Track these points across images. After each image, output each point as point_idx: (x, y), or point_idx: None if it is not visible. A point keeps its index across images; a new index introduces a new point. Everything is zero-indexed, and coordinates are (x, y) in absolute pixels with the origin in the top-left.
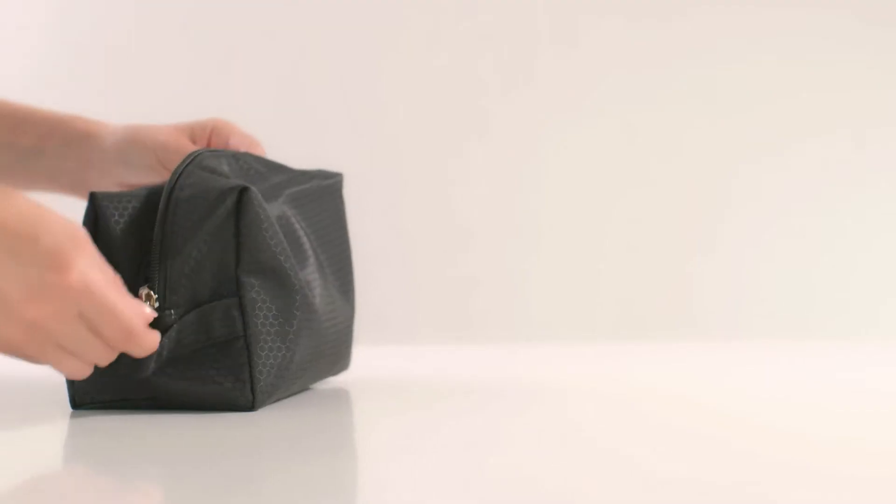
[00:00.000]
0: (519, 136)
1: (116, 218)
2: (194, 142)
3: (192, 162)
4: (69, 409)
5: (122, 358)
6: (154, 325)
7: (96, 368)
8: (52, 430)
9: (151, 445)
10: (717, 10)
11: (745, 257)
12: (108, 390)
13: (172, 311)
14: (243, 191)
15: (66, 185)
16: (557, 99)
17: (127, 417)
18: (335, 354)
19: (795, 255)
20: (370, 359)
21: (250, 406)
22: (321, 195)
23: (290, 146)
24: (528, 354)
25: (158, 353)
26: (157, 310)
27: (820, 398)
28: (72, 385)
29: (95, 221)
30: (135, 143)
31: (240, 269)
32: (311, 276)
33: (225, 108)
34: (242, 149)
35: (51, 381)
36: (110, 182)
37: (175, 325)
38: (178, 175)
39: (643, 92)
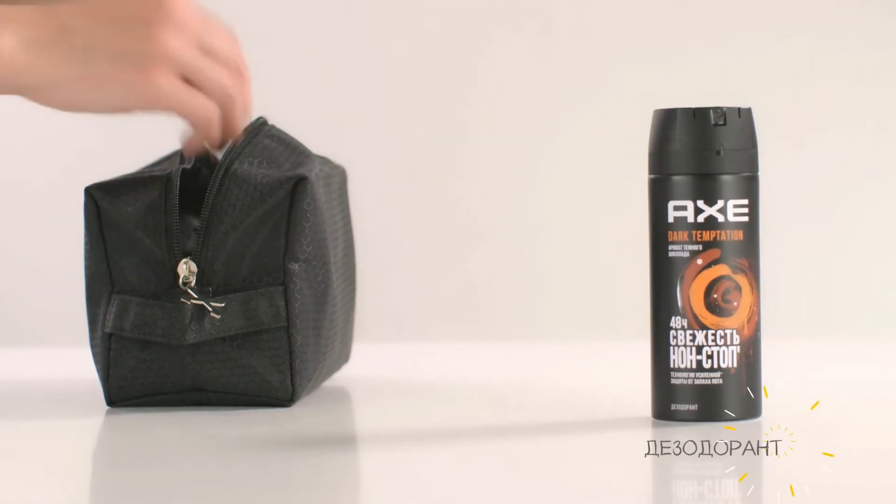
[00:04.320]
0: (532, 133)
1: (123, 207)
2: None
3: (252, 134)
4: (105, 407)
5: (159, 321)
6: (211, 299)
7: (134, 352)
8: (84, 428)
9: (176, 444)
10: (738, 9)
11: (768, 257)
12: (144, 384)
13: (211, 289)
14: (300, 181)
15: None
16: (571, 96)
17: (158, 415)
18: (343, 345)
19: (817, 248)
20: (380, 357)
21: (289, 398)
22: (343, 182)
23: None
24: (541, 352)
25: (200, 326)
26: (195, 285)
27: (842, 395)
28: (108, 382)
29: (99, 215)
30: None
31: (287, 258)
32: (337, 263)
33: None
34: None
35: (87, 379)
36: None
37: (222, 305)
38: (240, 147)
39: (658, 87)
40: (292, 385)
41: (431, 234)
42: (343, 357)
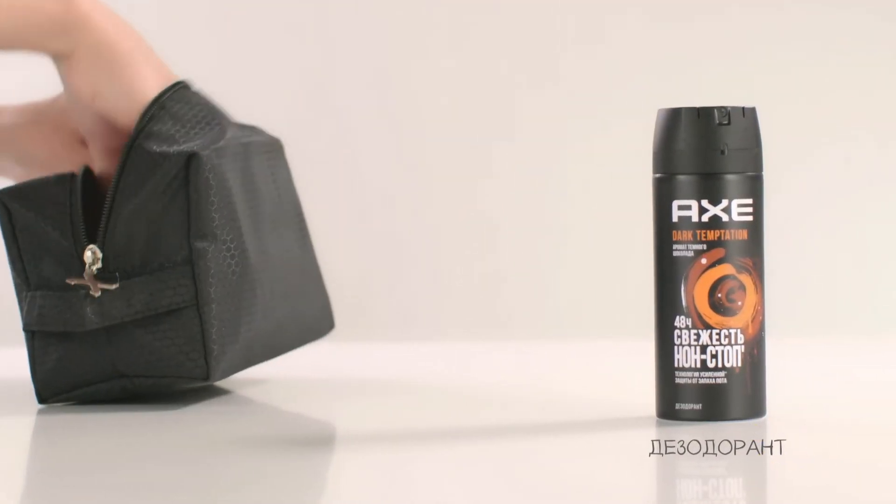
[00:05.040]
0: (545, 133)
1: (32, 207)
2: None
3: (158, 106)
4: (36, 406)
5: (60, 311)
6: (100, 281)
7: (55, 346)
8: (12, 428)
9: (110, 445)
10: (741, 10)
11: (771, 257)
12: (69, 376)
13: (118, 274)
14: (191, 157)
15: None
16: (584, 96)
17: (92, 415)
18: (299, 315)
19: (821, 247)
20: (382, 357)
21: (205, 377)
22: (274, 151)
23: (316, 145)
24: (544, 351)
25: (102, 310)
26: (101, 269)
27: (846, 395)
28: (35, 379)
29: (10, 218)
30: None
31: (193, 236)
32: (260, 232)
33: (251, 105)
34: None
35: (20, 376)
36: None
37: (122, 286)
38: (147, 120)
39: (669, 91)
40: (206, 363)
41: (435, 234)
42: (315, 324)
